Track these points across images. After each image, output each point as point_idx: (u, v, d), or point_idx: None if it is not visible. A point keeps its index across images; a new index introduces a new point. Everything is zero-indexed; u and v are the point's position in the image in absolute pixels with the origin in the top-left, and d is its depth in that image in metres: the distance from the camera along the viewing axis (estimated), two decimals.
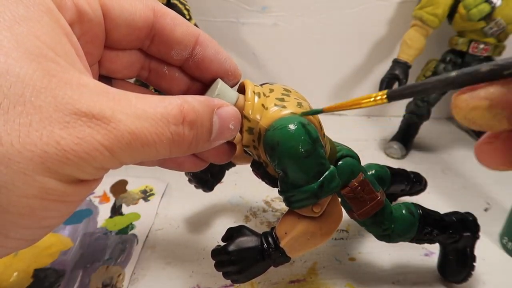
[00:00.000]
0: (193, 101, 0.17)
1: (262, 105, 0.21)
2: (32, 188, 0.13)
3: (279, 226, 0.23)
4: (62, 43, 0.15)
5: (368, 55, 0.55)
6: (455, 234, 0.28)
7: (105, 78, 0.21)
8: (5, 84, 0.13)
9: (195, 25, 0.41)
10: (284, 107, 0.21)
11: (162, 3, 0.38)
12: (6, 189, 0.13)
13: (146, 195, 0.39)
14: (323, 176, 0.21)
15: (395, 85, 0.46)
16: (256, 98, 0.21)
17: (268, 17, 0.51)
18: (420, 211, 0.27)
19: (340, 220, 0.23)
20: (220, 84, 0.21)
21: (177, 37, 0.20)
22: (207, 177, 0.31)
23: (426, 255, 0.33)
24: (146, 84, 0.24)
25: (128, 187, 0.40)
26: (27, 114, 0.13)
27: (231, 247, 0.22)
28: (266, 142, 0.20)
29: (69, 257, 0.31)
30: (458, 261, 0.29)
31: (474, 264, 0.29)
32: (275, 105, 0.21)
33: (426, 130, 0.53)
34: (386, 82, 0.46)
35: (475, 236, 0.29)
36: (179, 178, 0.42)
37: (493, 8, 0.41)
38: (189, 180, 0.32)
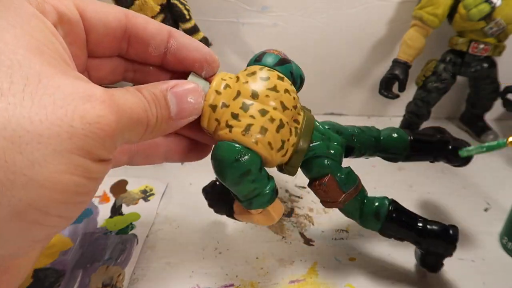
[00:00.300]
0: (146, 86, 0.19)
1: (216, 119, 0.22)
2: (62, 165, 0.14)
3: (236, 203, 0.27)
4: (53, 42, 0.16)
5: (368, 55, 0.55)
6: (422, 246, 0.28)
7: None
8: (21, 74, 0.14)
9: (195, 25, 0.41)
10: (230, 129, 0.22)
11: (162, 3, 0.38)
12: (40, 165, 0.14)
13: (146, 195, 0.39)
14: (252, 196, 0.23)
15: (395, 85, 0.46)
16: (213, 98, 0.22)
17: (268, 17, 0.51)
18: (388, 218, 0.27)
19: (280, 214, 0.25)
20: (190, 75, 0.23)
21: (151, 32, 0.22)
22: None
23: None
24: None
25: (128, 187, 0.40)
26: (50, 94, 0.14)
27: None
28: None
29: (69, 257, 0.31)
30: (423, 260, 0.29)
31: (438, 270, 0.29)
32: (226, 124, 0.22)
33: None
34: (386, 82, 0.46)
35: (448, 251, 0.27)
36: (179, 178, 0.42)
37: (493, 8, 0.41)
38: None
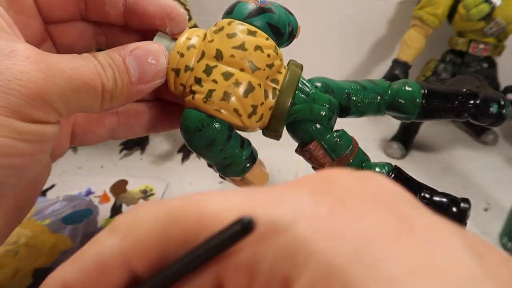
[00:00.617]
0: (106, 51, 0.18)
1: (181, 84, 0.20)
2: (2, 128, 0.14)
3: None
4: None
5: (368, 55, 0.55)
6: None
7: None
8: None
9: (195, 25, 0.41)
10: (193, 96, 0.20)
11: None
12: None
13: (146, 195, 0.39)
14: (225, 165, 0.22)
15: None
16: (179, 59, 0.20)
17: None
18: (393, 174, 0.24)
19: (263, 181, 0.24)
20: (156, 35, 0.21)
21: None
22: None
23: None
24: None
25: (128, 187, 0.40)
26: None
27: None
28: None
29: (69, 257, 0.31)
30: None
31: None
32: (190, 89, 0.20)
33: (426, 130, 0.53)
34: None
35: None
36: (179, 178, 0.42)
37: (493, 8, 0.41)
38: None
